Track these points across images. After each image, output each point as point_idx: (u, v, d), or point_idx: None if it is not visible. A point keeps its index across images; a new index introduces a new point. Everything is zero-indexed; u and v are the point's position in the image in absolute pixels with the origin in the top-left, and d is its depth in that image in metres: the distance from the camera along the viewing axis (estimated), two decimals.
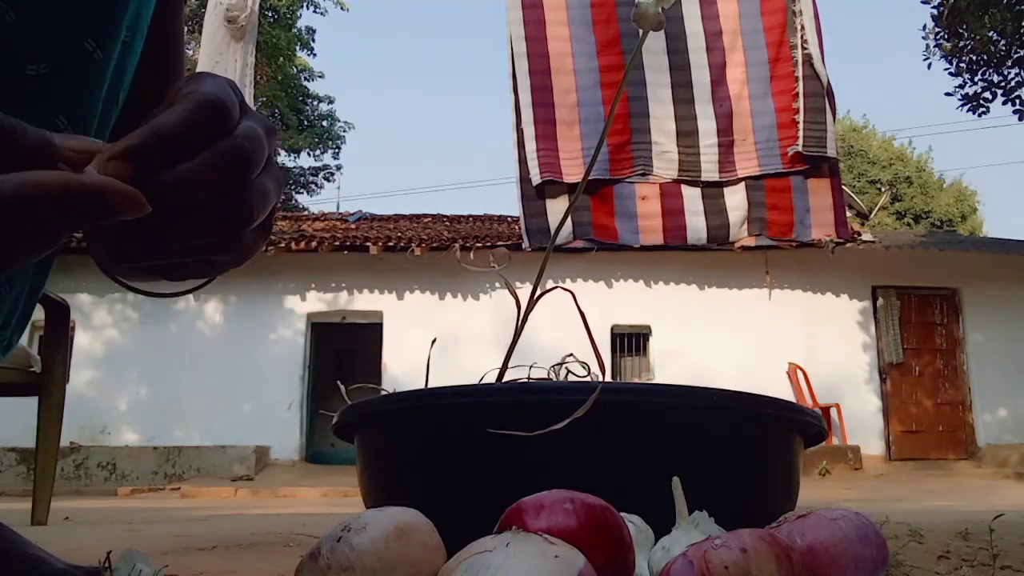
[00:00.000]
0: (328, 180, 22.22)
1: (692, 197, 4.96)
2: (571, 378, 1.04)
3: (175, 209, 0.40)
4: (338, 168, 22.37)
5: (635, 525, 0.65)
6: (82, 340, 10.17)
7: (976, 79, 9.15)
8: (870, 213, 20.28)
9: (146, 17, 0.61)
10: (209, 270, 0.47)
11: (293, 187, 21.90)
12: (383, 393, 0.98)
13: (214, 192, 0.41)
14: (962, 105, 9.29)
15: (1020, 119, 9.12)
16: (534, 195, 4.87)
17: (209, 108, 0.40)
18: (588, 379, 1.03)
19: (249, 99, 6.82)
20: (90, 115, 0.56)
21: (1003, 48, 8.88)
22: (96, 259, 0.47)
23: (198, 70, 6.79)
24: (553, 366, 1.06)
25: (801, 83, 4.84)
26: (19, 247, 0.34)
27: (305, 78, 20.58)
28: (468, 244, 9.73)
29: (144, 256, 0.43)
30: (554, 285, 1.08)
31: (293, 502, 6.47)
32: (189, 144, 0.40)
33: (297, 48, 19.49)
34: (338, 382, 1.18)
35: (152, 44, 0.63)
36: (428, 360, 1.18)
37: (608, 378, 0.97)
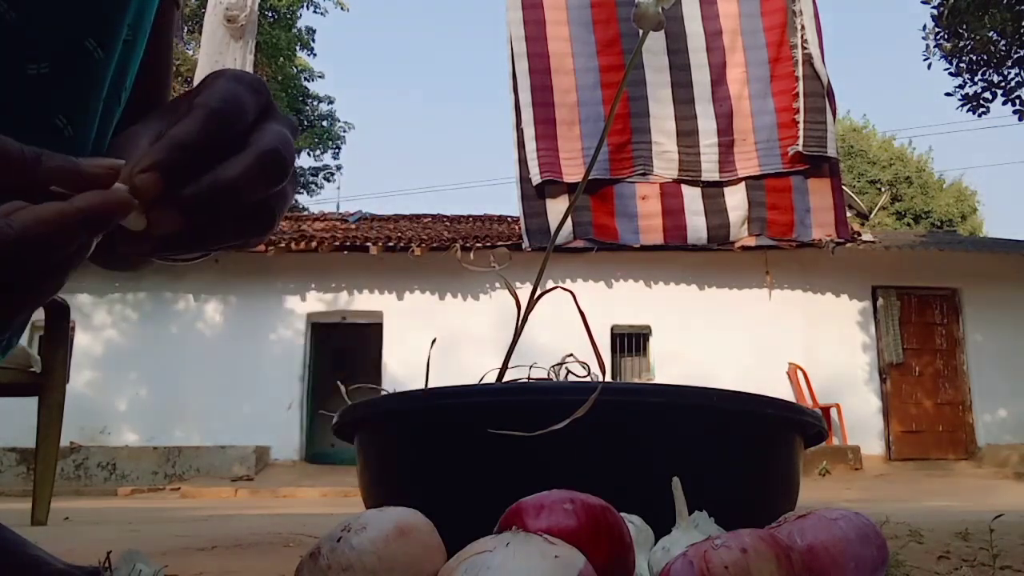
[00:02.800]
0: (328, 180, 22.24)
1: (692, 197, 4.96)
2: (571, 378, 1.04)
3: (210, 216, 0.43)
4: (338, 168, 22.38)
5: (635, 525, 0.65)
6: (82, 340, 10.17)
7: (976, 79, 9.15)
8: (870, 213, 20.28)
9: (149, 16, 0.60)
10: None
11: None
12: (383, 393, 0.98)
13: (251, 196, 0.44)
14: (962, 105, 9.28)
15: (1020, 119, 9.12)
16: (534, 195, 4.87)
17: (221, 116, 0.43)
18: (588, 379, 1.03)
19: None
20: (91, 115, 0.56)
21: (1003, 48, 8.87)
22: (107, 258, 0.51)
23: (198, 70, 6.81)
24: (553, 366, 1.06)
25: (801, 83, 4.83)
26: (38, 279, 0.37)
27: (305, 78, 20.58)
28: (468, 244, 9.73)
29: (171, 258, 0.48)
30: (554, 285, 1.08)
31: (293, 502, 6.47)
32: (211, 152, 0.42)
33: (297, 48, 19.48)
34: (338, 382, 1.18)
35: (147, 48, 0.63)
36: (428, 360, 1.18)
37: (608, 378, 0.97)
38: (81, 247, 0.38)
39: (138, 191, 0.39)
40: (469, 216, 13.08)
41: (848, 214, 6.99)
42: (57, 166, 0.37)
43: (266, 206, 0.46)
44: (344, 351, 11.84)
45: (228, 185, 0.42)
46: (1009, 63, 8.94)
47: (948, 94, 9.29)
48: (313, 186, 22.19)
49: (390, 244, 10.06)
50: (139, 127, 0.47)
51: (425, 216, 13.12)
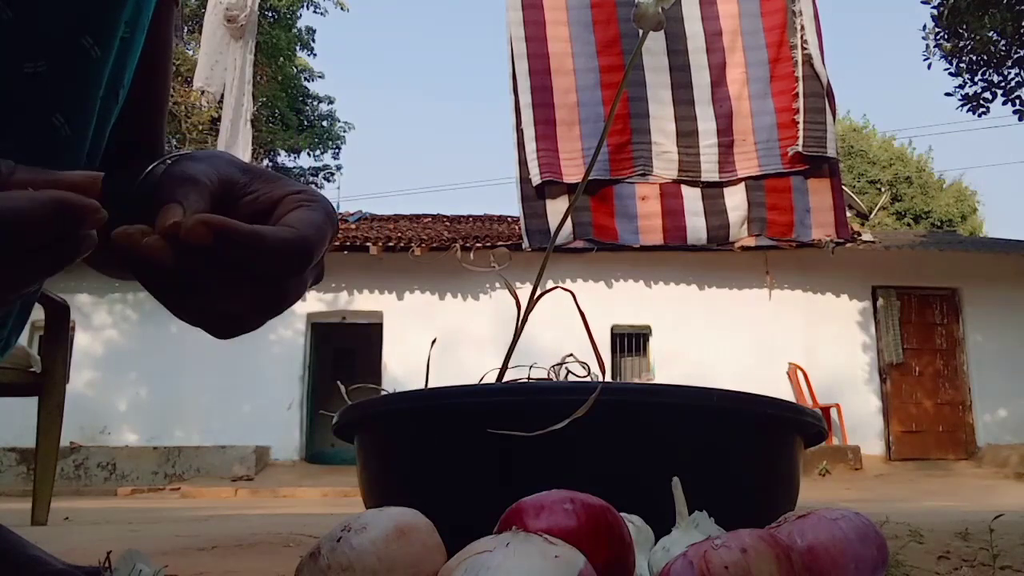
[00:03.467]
0: (328, 180, 22.22)
1: (692, 197, 4.95)
2: (571, 378, 1.04)
3: (195, 281, 0.43)
4: (338, 168, 22.38)
5: (635, 525, 0.65)
6: (82, 340, 10.17)
7: (976, 79, 9.14)
8: (870, 213, 20.28)
9: (147, 13, 0.60)
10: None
11: None
12: (383, 393, 0.98)
13: (235, 303, 0.46)
14: (962, 105, 9.28)
15: (1020, 119, 9.11)
16: (534, 195, 4.86)
17: (304, 255, 0.45)
18: (588, 379, 1.03)
19: (248, 99, 6.82)
20: (88, 113, 0.56)
21: (1003, 48, 8.87)
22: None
23: (198, 70, 6.80)
24: (553, 366, 1.06)
25: (801, 83, 4.83)
26: (10, 269, 0.37)
27: (305, 78, 20.58)
28: (468, 244, 9.73)
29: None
30: (554, 285, 1.09)
31: (293, 502, 6.47)
32: (264, 269, 0.44)
33: (297, 48, 19.49)
34: (338, 382, 1.18)
35: (146, 46, 0.63)
36: (428, 360, 1.18)
37: (608, 378, 0.97)
38: (61, 248, 0.37)
39: (186, 231, 0.40)
40: (469, 216, 13.08)
41: (848, 214, 6.99)
42: (29, 180, 0.37)
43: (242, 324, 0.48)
44: (344, 351, 11.84)
45: (230, 291, 0.44)
46: (1009, 63, 8.93)
47: (948, 94, 9.29)
48: (313, 186, 22.17)
49: (390, 244, 10.06)
50: (206, 168, 0.48)
51: (425, 216, 13.12)
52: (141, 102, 0.65)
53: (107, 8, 0.54)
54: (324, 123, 21.56)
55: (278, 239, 0.43)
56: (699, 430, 0.86)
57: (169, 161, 0.51)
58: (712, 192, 4.95)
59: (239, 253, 0.41)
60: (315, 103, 21.40)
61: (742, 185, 4.95)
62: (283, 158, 20.92)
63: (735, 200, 4.95)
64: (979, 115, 9.29)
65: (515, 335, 1.03)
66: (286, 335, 10.47)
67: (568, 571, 0.46)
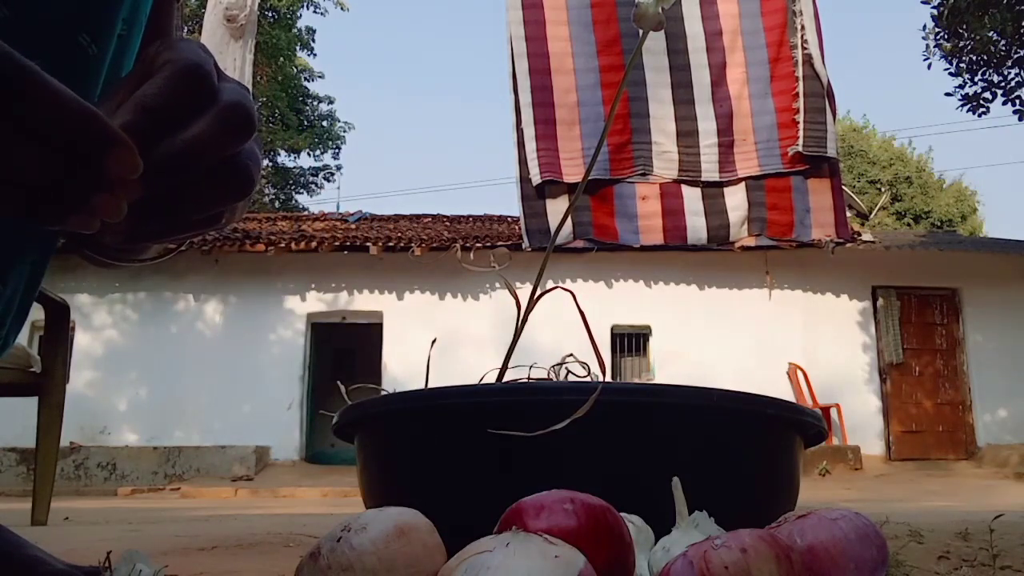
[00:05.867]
0: (328, 180, 22.25)
1: (692, 197, 4.95)
2: (571, 378, 1.04)
3: (184, 181, 0.41)
4: (338, 168, 22.40)
5: (635, 525, 0.65)
6: (82, 340, 10.17)
7: (976, 79, 9.15)
8: (870, 213, 20.28)
9: (144, 10, 0.60)
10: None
11: (293, 187, 21.91)
12: (383, 393, 0.98)
13: (220, 155, 0.42)
14: (962, 105, 9.28)
15: (1020, 119, 9.12)
16: (534, 195, 4.86)
17: (191, 75, 0.41)
18: (588, 379, 1.02)
19: None
20: None
21: (1003, 48, 8.87)
22: (92, 249, 0.48)
23: None
24: (553, 366, 1.06)
25: (801, 83, 4.83)
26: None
27: (305, 78, 20.60)
28: (468, 244, 9.73)
29: (157, 237, 0.45)
30: (554, 285, 1.09)
31: (293, 502, 6.47)
32: (179, 112, 0.40)
33: (297, 48, 19.51)
34: (338, 382, 1.18)
35: (148, 41, 0.63)
36: (428, 360, 1.18)
37: (608, 378, 0.97)
38: (71, 192, 0.34)
39: (117, 162, 0.36)
40: (469, 216, 13.08)
41: (848, 214, 6.99)
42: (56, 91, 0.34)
43: (240, 166, 0.44)
44: (344, 351, 11.84)
45: (191, 144, 0.40)
46: (1009, 63, 8.93)
47: (948, 94, 9.29)
48: (313, 186, 22.20)
49: (390, 244, 10.06)
50: None
51: (425, 216, 13.12)
52: None
53: (104, 5, 0.54)
54: (324, 123, 21.58)
55: (166, 78, 0.39)
56: (699, 430, 0.86)
57: None
58: (712, 192, 4.95)
59: (153, 126, 0.38)
60: (315, 103, 21.42)
61: (742, 185, 4.95)
62: (283, 158, 20.93)
63: (735, 200, 4.95)
64: (979, 115, 9.29)
65: (515, 335, 1.03)
66: (286, 335, 10.47)
67: (568, 571, 0.46)
